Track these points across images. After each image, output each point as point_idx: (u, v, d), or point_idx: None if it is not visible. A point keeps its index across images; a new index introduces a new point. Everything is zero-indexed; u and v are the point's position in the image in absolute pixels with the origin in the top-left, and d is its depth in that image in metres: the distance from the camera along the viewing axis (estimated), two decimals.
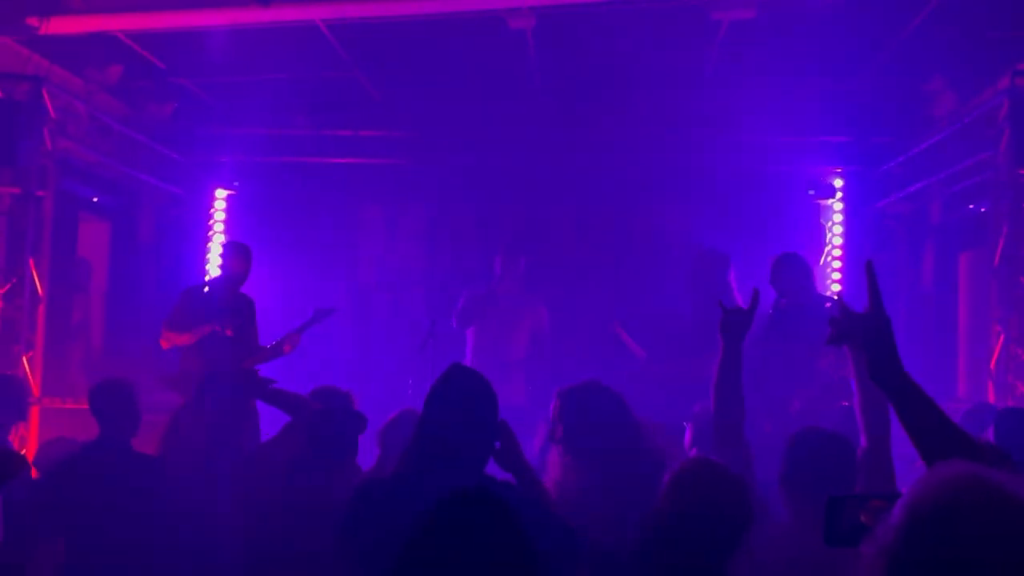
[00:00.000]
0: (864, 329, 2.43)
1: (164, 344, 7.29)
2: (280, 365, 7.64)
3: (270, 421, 5.56)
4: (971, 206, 8.51)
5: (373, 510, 3.40)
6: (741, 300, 6.96)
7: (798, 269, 6.90)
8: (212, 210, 10.40)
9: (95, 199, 9.56)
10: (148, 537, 3.87)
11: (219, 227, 10.43)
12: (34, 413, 7.71)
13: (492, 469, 3.52)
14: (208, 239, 10.35)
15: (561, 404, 3.96)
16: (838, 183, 9.98)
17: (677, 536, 2.81)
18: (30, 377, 7.66)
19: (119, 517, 4.01)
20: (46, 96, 7.64)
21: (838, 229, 9.94)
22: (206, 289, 7.53)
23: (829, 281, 9.73)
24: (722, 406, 3.65)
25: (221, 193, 10.45)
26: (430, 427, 3.41)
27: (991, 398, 7.14)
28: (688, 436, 4.95)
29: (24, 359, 7.71)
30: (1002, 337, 7.19)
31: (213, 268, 10.01)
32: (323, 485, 4.14)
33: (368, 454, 5.07)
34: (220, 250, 7.71)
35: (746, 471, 3.51)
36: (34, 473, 5.27)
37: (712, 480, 2.89)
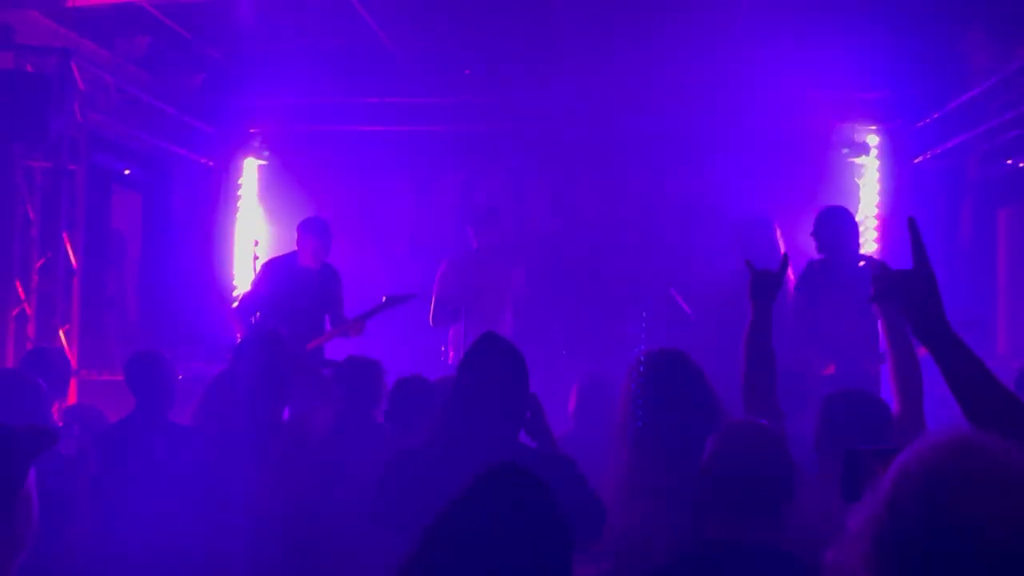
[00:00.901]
0: (908, 286, 2.38)
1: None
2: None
3: None
4: (1009, 161, 8.35)
5: (406, 479, 3.40)
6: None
7: (843, 224, 6.76)
8: (242, 180, 10.40)
9: (127, 172, 9.59)
10: (181, 509, 3.87)
11: (251, 197, 10.44)
12: (72, 385, 7.78)
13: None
14: (239, 209, 10.36)
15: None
16: (873, 140, 9.83)
17: (722, 495, 2.76)
18: (67, 350, 7.72)
19: (155, 489, 4.02)
20: (75, 69, 7.65)
21: (874, 187, 9.80)
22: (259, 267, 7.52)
23: (865, 240, 9.60)
24: (752, 370, 3.57)
25: (252, 163, 10.45)
26: (463, 396, 3.40)
27: None
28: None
29: (61, 332, 7.77)
30: None
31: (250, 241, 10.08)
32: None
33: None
34: (297, 227, 7.61)
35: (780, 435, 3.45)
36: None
37: (755, 440, 2.84)
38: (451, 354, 8.25)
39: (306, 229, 7.47)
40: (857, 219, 9.61)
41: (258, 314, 7.27)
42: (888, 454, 2.15)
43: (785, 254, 3.75)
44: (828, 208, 6.88)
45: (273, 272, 7.50)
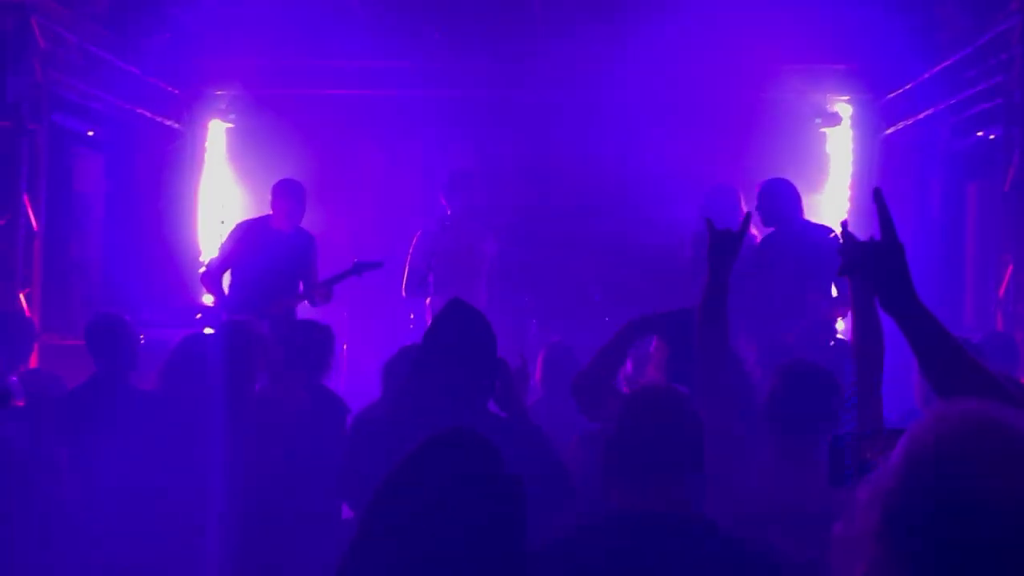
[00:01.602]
0: (877, 258, 2.35)
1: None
2: None
3: None
4: (980, 133, 8.35)
5: (370, 445, 3.35)
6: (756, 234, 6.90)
7: (785, 196, 6.83)
8: (208, 143, 10.25)
9: (89, 133, 9.41)
10: (144, 474, 3.82)
11: (217, 160, 10.29)
12: (34, 349, 7.65)
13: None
14: (205, 172, 10.22)
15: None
16: (845, 111, 9.81)
17: (625, 462, 2.69)
18: (28, 313, 7.58)
19: (115, 454, 3.95)
20: (35, 26, 7.46)
21: (846, 158, 9.80)
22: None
23: (837, 210, 9.61)
24: (705, 337, 3.44)
25: (218, 125, 10.29)
26: (428, 364, 3.35)
27: (999, 327, 7.07)
28: None
29: (21, 295, 7.63)
30: (1011, 267, 7.09)
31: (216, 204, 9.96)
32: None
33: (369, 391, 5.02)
34: (271, 190, 7.48)
35: (732, 409, 3.40)
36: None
37: (658, 405, 2.77)
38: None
39: (281, 191, 7.35)
40: (823, 189, 9.67)
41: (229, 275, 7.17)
42: (873, 436, 2.13)
43: (748, 213, 3.64)
44: (767, 181, 6.90)
45: (246, 234, 7.39)
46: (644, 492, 2.61)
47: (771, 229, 6.93)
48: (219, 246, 7.45)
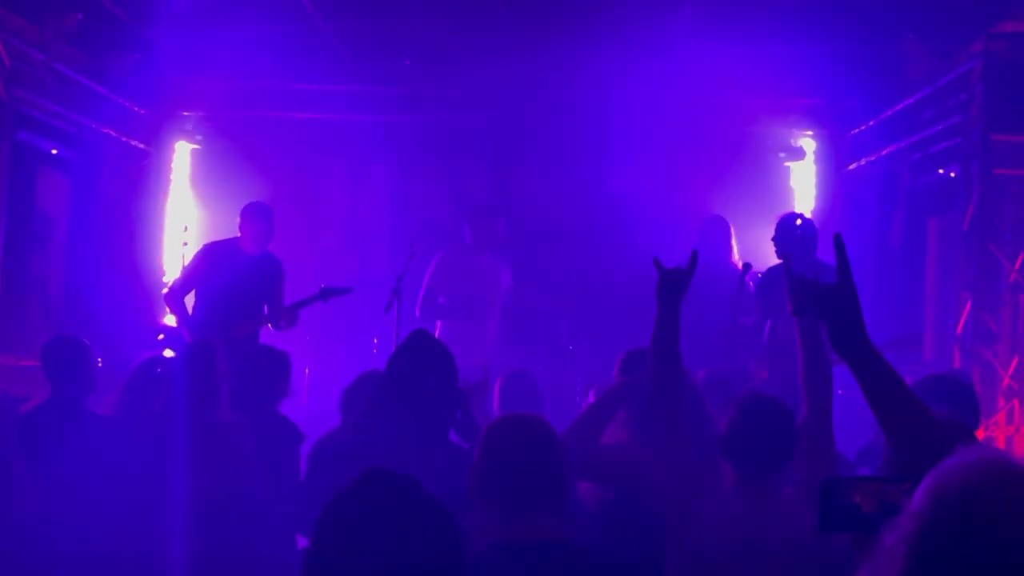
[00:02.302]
0: (831, 300, 2.39)
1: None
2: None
3: None
4: (941, 171, 8.47)
5: (329, 473, 3.33)
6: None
7: (796, 229, 6.80)
8: (174, 164, 10.20)
9: (54, 151, 9.33)
10: (96, 501, 3.77)
11: (183, 181, 10.24)
12: None
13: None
14: (171, 193, 10.16)
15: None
16: (809, 145, 9.92)
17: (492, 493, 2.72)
18: None
19: (69, 478, 3.91)
20: (0, 44, 7.42)
21: (809, 192, 9.90)
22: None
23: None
24: (658, 371, 3.48)
25: (184, 147, 10.25)
26: (389, 393, 3.36)
27: (956, 364, 7.14)
28: None
29: None
30: (969, 303, 7.18)
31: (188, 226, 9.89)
32: None
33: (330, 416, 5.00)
34: (240, 212, 7.41)
35: (686, 453, 3.43)
36: None
37: (520, 435, 2.77)
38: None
39: (250, 214, 7.30)
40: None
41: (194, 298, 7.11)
42: (864, 482, 2.14)
43: (694, 251, 3.65)
44: (784, 215, 6.91)
45: (213, 255, 7.33)
46: (511, 520, 2.61)
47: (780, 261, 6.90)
48: (184, 266, 7.39)
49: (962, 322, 7.24)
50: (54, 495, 4.02)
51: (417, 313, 8.07)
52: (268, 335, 7.41)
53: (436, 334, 8.08)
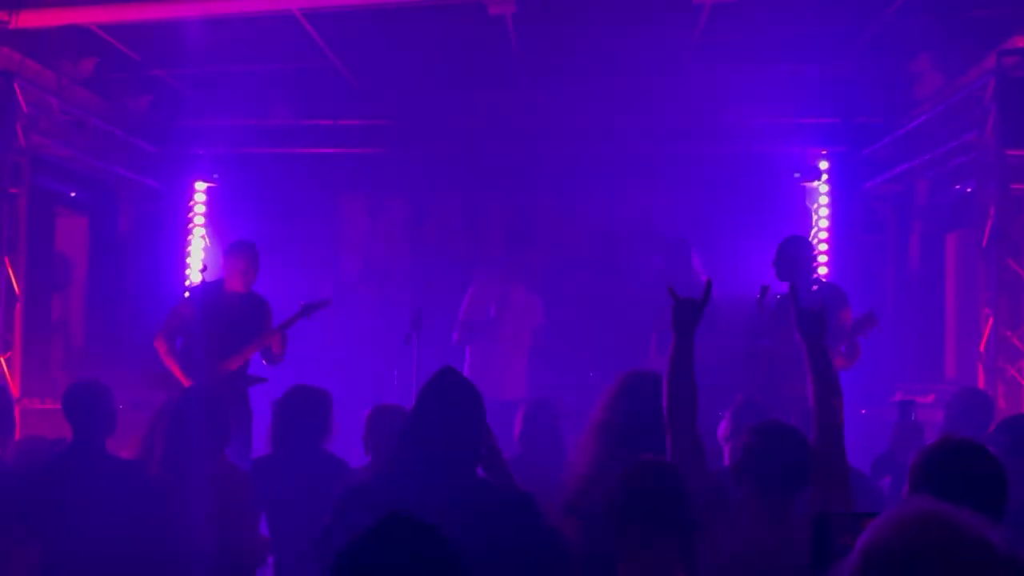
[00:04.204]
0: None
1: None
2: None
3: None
4: (957, 187, 8.44)
5: (358, 516, 3.27)
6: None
7: (796, 252, 6.82)
8: (192, 203, 10.27)
9: (72, 194, 9.43)
10: (122, 543, 3.77)
11: (199, 220, 10.30)
12: (15, 414, 7.59)
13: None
14: (188, 232, 10.22)
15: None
16: (824, 165, 9.90)
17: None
18: (8, 378, 7.54)
19: (92, 523, 3.91)
20: (18, 91, 7.51)
21: (824, 211, 9.87)
22: (187, 294, 7.34)
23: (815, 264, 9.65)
24: (674, 404, 3.53)
25: (201, 186, 10.32)
26: (419, 433, 3.34)
27: (980, 382, 7.08)
28: (724, 427, 4.89)
29: (2, 360, 7.60)
30: (991, 320, 7.13)
31: (198, 265, 9.89)
32: None
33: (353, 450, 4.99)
34: (223, 251, 7.37)
35: (700, 468, 3.43)
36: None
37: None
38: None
39: (233, 253, 7.29)
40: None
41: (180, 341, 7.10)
42: (856, 519, 2.13)
43: (708, 280, 3.71)
44: (785, 239, 6.91)
45: (199, 298, 7.30)
46: None
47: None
48: (173, 311, 7.29)
49: (984, 339, 7.18)
50: (76, 539, 4.02)
51: (454, 339, 8.16)
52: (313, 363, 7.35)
53: (467, 360, 8.19)
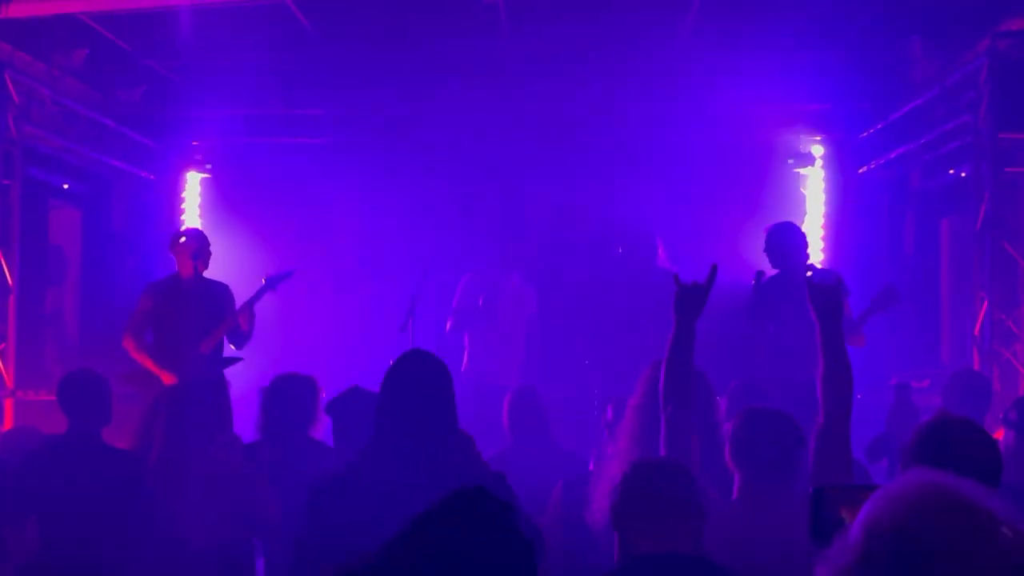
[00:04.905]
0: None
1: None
2: (258, 348, 7.54)
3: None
4: (951, 171, 8.44)
5: (335, 507, 3.17)
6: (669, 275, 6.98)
7: (789, 239, 6.85)
8: (185, 194, 10.24)
9: (65, 186, 9.39)
10: (117, 532, 3.77)
11: (193, 211, 10.28)
12: (8, 405, 7.59)
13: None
14: (182, 223, 10.19)
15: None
16: (818, 151, 9.90)
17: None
18: (2, 370, 7.53)
19: (87, 512, 3.91)
20: (8, 82, 7.48)
21: (819, 197, 9.87)
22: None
23: (812, 249, 9.65)
24: (670, 388, 3.50)
25: (194, 176, 10.30)
26: (386, 421, 3.22)
27: (975, 365, 7.09)
28: (722, 408, 4.89)
29: None
30: (986, 303, 7.14)
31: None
32: None
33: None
34: (179, 240, 7.37)
35: (690, 460, 3.42)
36: None
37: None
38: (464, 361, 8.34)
39: (181, 241, 7.33)
40: (803, 228, 9.74)
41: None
42: (853, 492, 2.12)
43: (713, 266, 3.67)
44: (774, 224, 6.94)
45: (156, 292, 7.29)
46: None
47: (776, 271, 6.91)
48: (136, 309, 7.29)
49: (979, 323, 7.19)
50: (71, 527, 4.02)
51: (447, 329, 8.23)
52: (279, 361, 7.37)
53: (466, 349, 8.23)
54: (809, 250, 7.19)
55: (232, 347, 7.36)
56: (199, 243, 7.28)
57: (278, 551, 4.37)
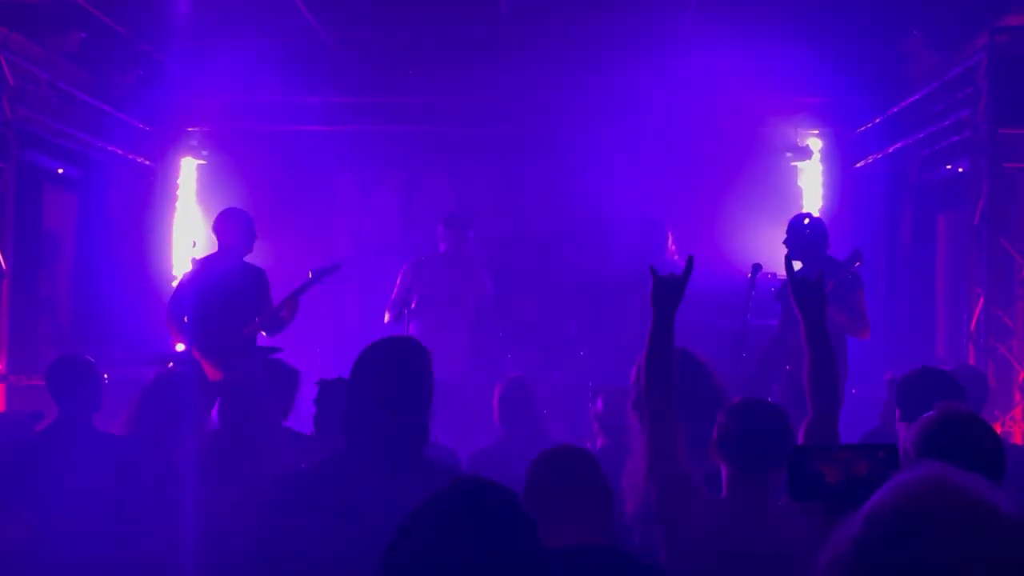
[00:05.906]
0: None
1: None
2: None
3: None
4: (949, 166, 8.42)
5: (308, 505, 3.03)
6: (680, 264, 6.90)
7: (806, 229, 6.75)
8: (180, 180, 10.20)
9: (60, 170, 9.34)
10: (107, 518, 3.75)
11: (189, 197, 10.24)
12: (1, 390, 7.57)
13: None
14: (177, 209, 10.16)
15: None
16: (816, 145, 9.88)
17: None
18: None
19: (77, 498, 3.88)
20: (4, 64, 7.44)
21: (816, 191, 9.85)
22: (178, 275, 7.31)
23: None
24: (651, 382, 3.39)
25: (190, 162, 10.26)
26: (356, 416, 3.04)
27: (971, 360, 7.08)
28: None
29: None
30: (982, 299, 7.13)
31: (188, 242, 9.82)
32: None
33: None
34: (215, 221, 7.31)
35: (677, 449, 3.39)
36: None
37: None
38: None
39: (222, 222, 7.24)
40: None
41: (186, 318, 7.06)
42: (832, 451, 2.14)
43: (690, 257, 3.57)
44: (794, 216, 6.83)
45: (198, 271, 7.25)
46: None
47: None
48: (176, 287, 7.27)
49: (975, 318, 7.18)
50: (60, 514, 3.99)
51: (385, 318, 8.04)
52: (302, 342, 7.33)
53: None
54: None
55: (263, 333, 7.26)
56: (237, 231, 7.17)
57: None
